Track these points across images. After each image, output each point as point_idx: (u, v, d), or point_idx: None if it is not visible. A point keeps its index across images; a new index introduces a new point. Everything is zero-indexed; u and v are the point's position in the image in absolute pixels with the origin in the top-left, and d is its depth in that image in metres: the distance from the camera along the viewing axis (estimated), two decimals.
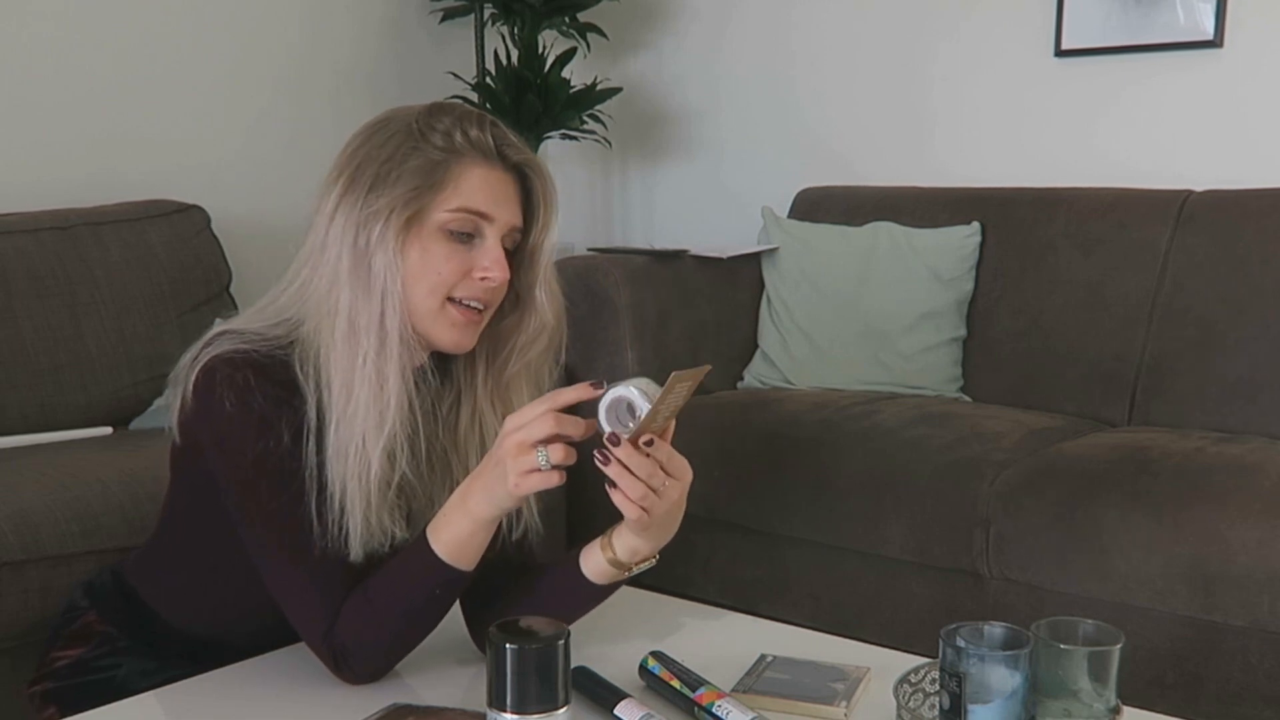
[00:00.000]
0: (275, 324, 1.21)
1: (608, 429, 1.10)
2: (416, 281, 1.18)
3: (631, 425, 1.09)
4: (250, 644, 1.28)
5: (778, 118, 3.27)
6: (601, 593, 1.25)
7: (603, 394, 1.10)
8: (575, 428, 1.09)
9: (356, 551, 1.17)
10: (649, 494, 1.11)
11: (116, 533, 1.78)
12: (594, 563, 1.23)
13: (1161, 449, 2.10)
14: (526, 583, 1.28)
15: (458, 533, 1.15)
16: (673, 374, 1.06)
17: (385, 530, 1.19)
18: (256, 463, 1.16)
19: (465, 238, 1.19)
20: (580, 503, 2.64)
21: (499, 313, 1.26)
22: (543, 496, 1.27)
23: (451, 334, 1.21)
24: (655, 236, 3.49)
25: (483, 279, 1.19)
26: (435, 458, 1.27)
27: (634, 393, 1.10)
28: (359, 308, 1.17)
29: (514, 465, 1.09)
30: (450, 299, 1.20)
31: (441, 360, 1.28)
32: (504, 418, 1.23)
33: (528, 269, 1.25)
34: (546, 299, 1.26)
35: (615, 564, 1.22)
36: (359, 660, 1.17)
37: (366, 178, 1.18)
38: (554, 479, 1.10)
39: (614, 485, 1.11)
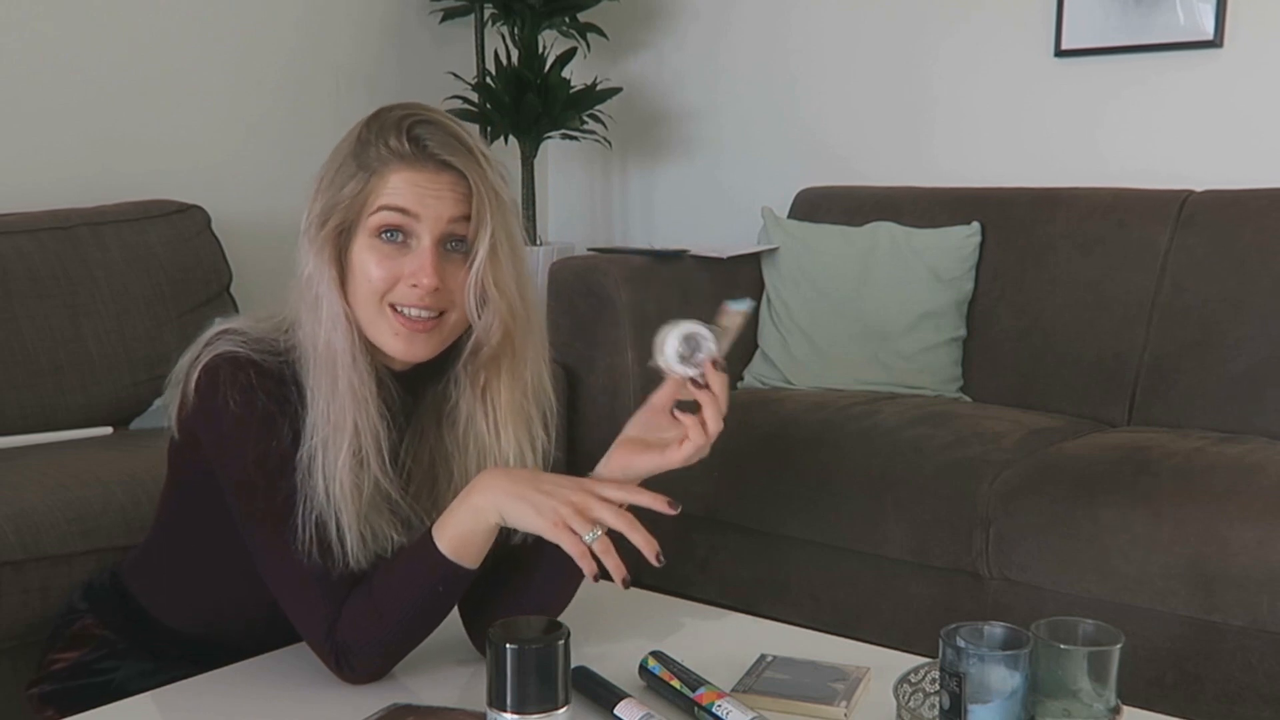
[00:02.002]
0: (275, 330, 1.22)
1: (675, 364, 1.15)
2: (355, 291, 1.18)
3: (700, 356, 1.15)
4: (248, 643, 1.28)
5: (777, 118, 3.27)
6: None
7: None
8: (643, 542, 1.13)
9: (357, 559, 1.17)
10: (720, 422, 1.17)
11: (116, 533, 1.78)
12: None
13: (1161, 449, 2.10)
14: (513, 579, 1.27)
15: (462, 530, 1.15)
16: (724, 306, 1.18)
17: (384, 535, 1.19)
18: (258, 462, 1.16)
19: (396, 240, 1.17)
20: None
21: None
22: None
23: (395, 342, 1.19)
24: (655, 236, 3.49)
25: (413, 285, 1.17)
26: (439, 461, 1.27)
27: (701, 329, 1.15)
28: (310, 320, 1.18)
29: (568, 515, 1.12)
30: (393, 307, 1.18)
31: (441, 364, 1.27)
32: (494, 422, 1.24)
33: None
34: (475, 304, 1.19)
35: None
36: (360, 659, 1.17)
37: (321, 195, 1.19)
38: (581, 556, 1.11)
39: (684, 411, 1.18)
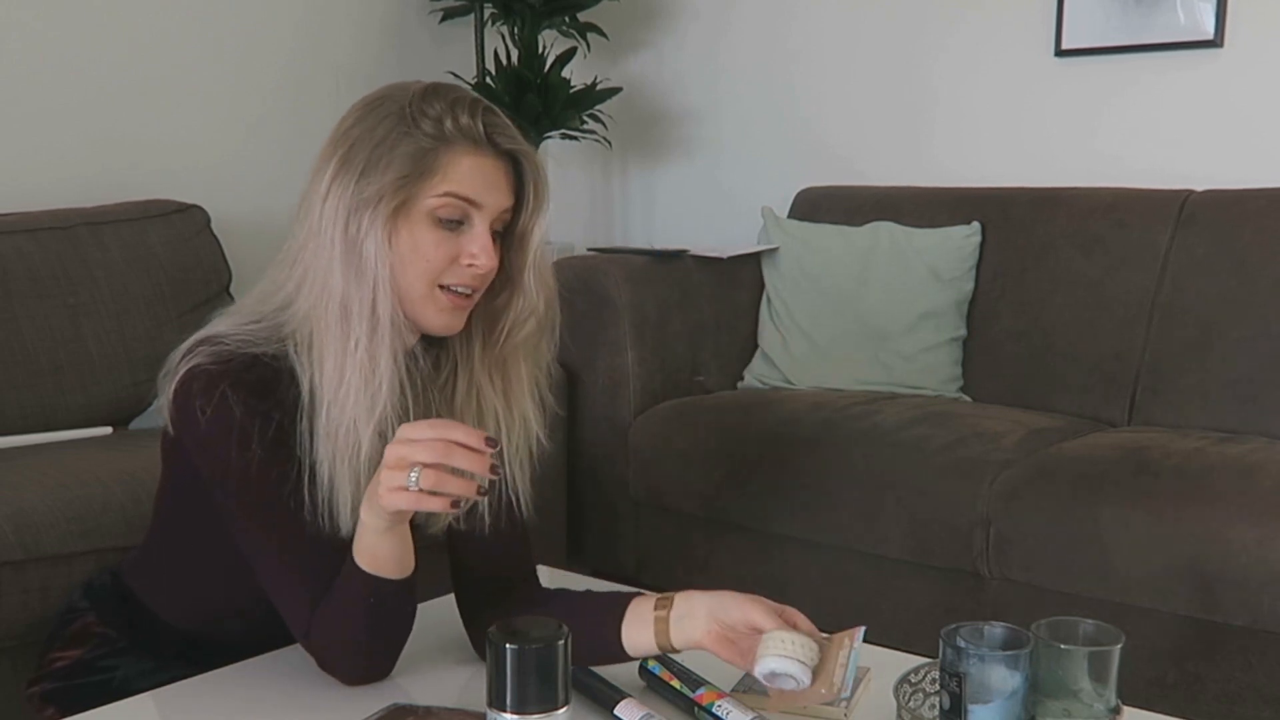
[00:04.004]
0: (265, 315, 1.21)
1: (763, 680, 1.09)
2: (406, 267, 1.18)
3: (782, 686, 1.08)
4: (247, 642, 1.29)
5: (777, 118, 3.27)
6: (629, 659, 1.20)
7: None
8: (466, 461, 1.05)
9: (349, 530, 1.17)
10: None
11: (116, 532, 1.78)
12: (640, 641, 1.18)
13: (1161, 449, 2.10)
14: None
15: (365, 543, 1.14)
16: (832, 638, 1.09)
17: None
18: (239, 471, 1.15)
19: (454, 224, 1.19)
20: (579, 503, 2.64)
21: (491, 290, 1.25)
22: (539, 490, 1.29)
23: (440, 318, 1.21)
24: (655, 236, 3.48)
25: (470, 265, 1.19)
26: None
27: (793, 666, 1.06)
28: (351, 293, 1.17)
29: (387, 477, 1.07)
30: (440, 285, 1.19)
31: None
32: (503, 393, 1.26)
33: (518, 251, 1.25)
34: (534, 282, 1.25)
35: (666, 649, 1.17)
36: (338, 664, 1.18)
37: (358, 161, 1.17)
38: (428, 503, 1.06)
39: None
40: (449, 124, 1.17)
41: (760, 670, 1.08)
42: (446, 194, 1.17)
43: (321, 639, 1.16)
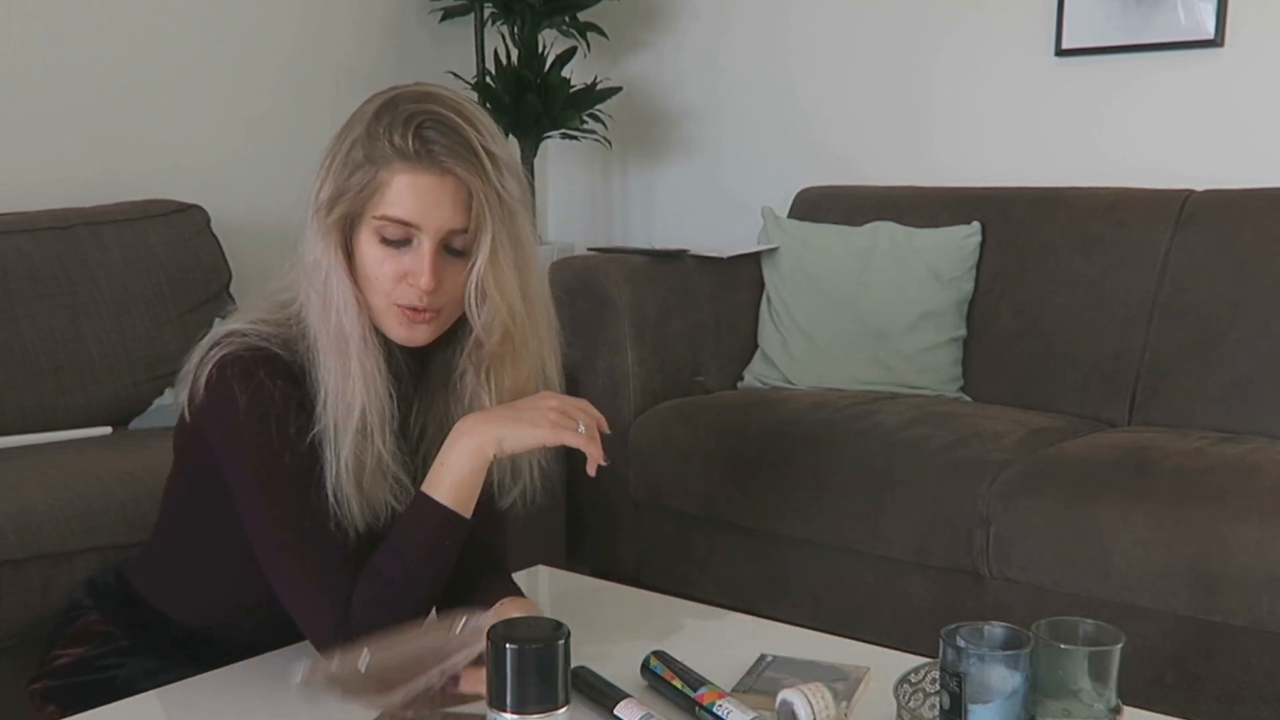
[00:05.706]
0: (282, 320, 1.22)
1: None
2: (363, 282, 1.20)
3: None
4: (252, 640, 1.29)
5: (777, 118, 3.27)
6: None
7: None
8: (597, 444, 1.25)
9: (359, 523, 1.19)
10: None
11: (117, 530, 1.78)
12: None
13: (1161, 449, 2.10)
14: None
15: (460, 476, 1.19)
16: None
17: (381, 503, 1.21)
18: (266, 461, 1.16)
19: (398, 243, 1.18)
20: (579, 503, 2.64)
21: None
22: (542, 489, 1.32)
23: (400, 330, 1.22)
24: (655, 236, 3.48)
25: (412, 285, 1.19)
26: (447, 425, 1.26)
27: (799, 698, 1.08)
28: (319, 303, 1.19)
29: (557, 418, 1.21)
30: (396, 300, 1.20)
31: (449, 332, 1.28)
32: (497, 401, 1.26)
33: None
34: (478, 307, 1.21)
35: None
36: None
37: (332, 176, 1.19)
38: (589, 447, 1.23)
39: None
40: (386, 143, 1.16)
41: (784, 694, 1.09)
42: (382, 217, 1.17)
43: (367, 618, 1.16)
